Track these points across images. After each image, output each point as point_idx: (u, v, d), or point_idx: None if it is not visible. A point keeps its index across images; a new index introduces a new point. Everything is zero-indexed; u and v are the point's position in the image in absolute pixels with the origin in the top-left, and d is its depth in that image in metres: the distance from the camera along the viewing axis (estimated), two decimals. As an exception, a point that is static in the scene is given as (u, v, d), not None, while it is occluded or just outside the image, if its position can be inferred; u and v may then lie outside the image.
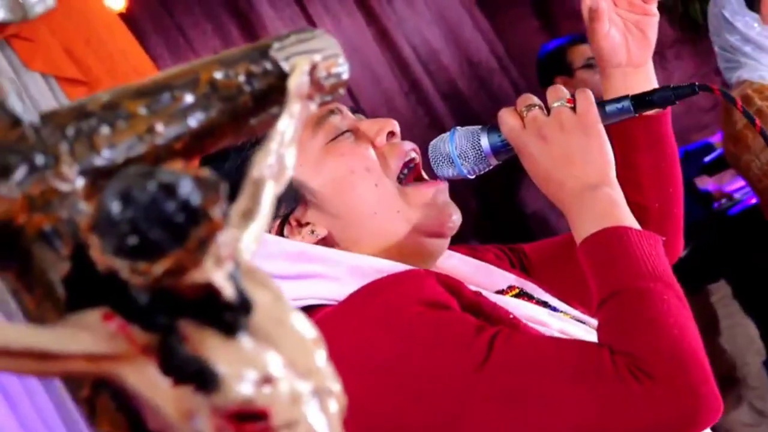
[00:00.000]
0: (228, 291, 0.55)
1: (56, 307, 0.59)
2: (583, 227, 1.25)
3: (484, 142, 1.36)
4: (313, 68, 0.71)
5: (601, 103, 1.33)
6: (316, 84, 0.71)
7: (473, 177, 1.40)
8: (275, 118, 0.69)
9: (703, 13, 3.96)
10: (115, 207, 0.53)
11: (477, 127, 1.38)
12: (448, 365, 1.18)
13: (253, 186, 0.64)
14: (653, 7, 1.48)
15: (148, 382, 0.56)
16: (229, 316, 0.56)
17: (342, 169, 1.34)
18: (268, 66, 0.70)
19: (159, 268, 0.52)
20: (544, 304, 1.42)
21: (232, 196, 0.58)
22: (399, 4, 5.09)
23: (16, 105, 0.60)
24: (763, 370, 3.81)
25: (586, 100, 1.30)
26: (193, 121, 0.66)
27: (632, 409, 1.11)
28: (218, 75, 0.68)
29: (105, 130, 0.62)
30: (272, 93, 0.70)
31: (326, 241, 1.34)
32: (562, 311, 1.42)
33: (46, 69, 3.41)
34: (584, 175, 1.26)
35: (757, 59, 2.72)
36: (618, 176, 1.29)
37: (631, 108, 1.35)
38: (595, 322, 1.34)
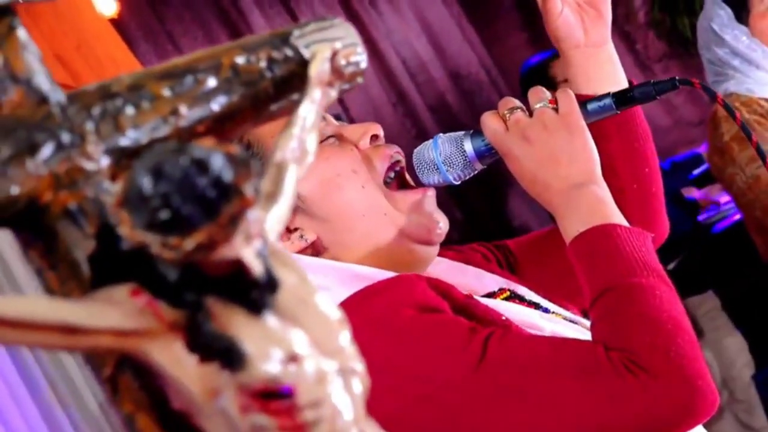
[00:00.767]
0: (257, 268, 0.55)
1: (81, 286, 0.59)
2: (571, 226, 1.25)
3: (468, 147, 1.36)
4: (334, 55, 0.71)
5: (583, 103, 1.34)
6: (336, 71, 0.72)
7: (459, 183, 1.40)
8: (295, 104, 0.70)
9: (692, 27, 3.98)
10: (147, 182, 0.53)
11: (460, 133, 1.38)
12: (444, 367, 1.19)
13: (276, 169, 0.64)
14: None
15: (174, 359, 0.56)
16: (256, 294, 0.56)
17: (328, 171, 1.33)
18: (289, 52, 0.71)
19: (190, 242, 0.52)
20: (536, 306, 1.42)
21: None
22: (388, 15, 5.10)
23: (42, 83, 0.61)
24: (751, 383, 3.81)
25: (568, 99, 1.30)
26: (216, 104, 0.67)
27: (630, 404, 1.11)
28: (240, 60, 0.68)
29: (130, 110, 0.63)
30: (293, 79, 0.70)
31: (315, 246, 1.34)
32: (553, 312, 1.42)
33: (36, 74, 3.39)
34: (570, 175, 1.27)
35: (745, 72, 2.74)
36: None
37: (613, 105, 1.35)
38: (587, 322, 1.35)
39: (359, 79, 0.75)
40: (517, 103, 1.32)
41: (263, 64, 0.69)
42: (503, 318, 1.26)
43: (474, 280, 1.45)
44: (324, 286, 1.28)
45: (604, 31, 1.47)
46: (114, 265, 0.58)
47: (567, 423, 1.15)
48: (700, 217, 4.01)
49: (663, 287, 1.18)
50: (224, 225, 0.52)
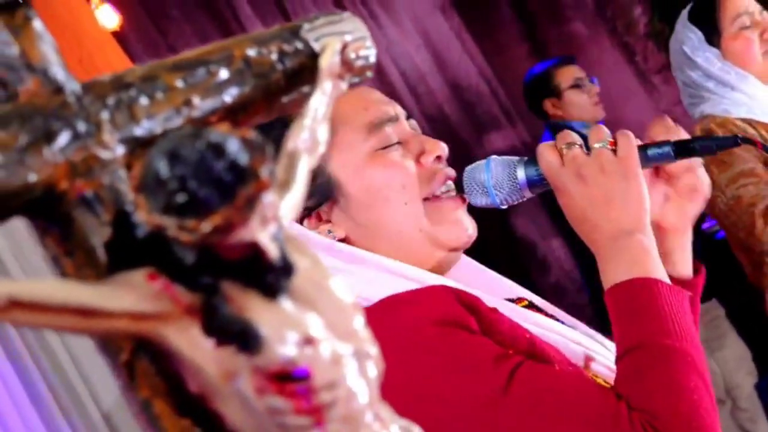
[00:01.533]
0: (272, 251, 0.56)
1: (97, 272, 0.59)
2: (613, 272, 1.25)
3: (521, 174, 1.35)
4: (344, 48, 0.72)
5: (643, 147, 1.32)
6: (346, 64, 0.72)
7: (505, 207, 1.40)
8: (306, 96, 0.70)
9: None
10: (164, 166, 0.53)
11: (514, 158, 1.37)
12: (466, 391, 1.18)
13: (288, 158, 0.65)
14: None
15: (190, 342, 0.56)
16: (271, 278, 0.57)
17: (380, 180, 1.33)
18: (300, 45, 0.71)
19: (207, 225, 0.53)
20: (553, 318, 1.42)
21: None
22: (387, 28, 5.12)
23: (58, 73, 0.62)
24: (754, 392, 3.81)
25: (629, 143, 1.29)
26: (228, 96, 0.67)
27: None
28: (251, 52, 0.69)
29: (144, 101, 0.63)
30: (303, 72, 0.71)
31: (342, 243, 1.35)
32: (570, 325, 1.42)
33: (38, 86, 3.41)
34: (620, 220, 1.26)
35: (720, 94, 2.75)
36: None
37: (672, 154, 1.34)
38: (601, 337, 1.36)
39: (368, 73, 0.76)
40: (577, 138, 1.32)
41: (274, 56, 0.70)
42: (527, 336, 1.26)
43: (495, 283, 1.45)
44: (356, 273, 1.29)
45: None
46: (130, 251, 0.58)
47: None
48: (705, 225, 4.01)
49: (694, 353, 1.18)
50: (240, 207, 0.53)
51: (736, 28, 2.75)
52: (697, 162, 1.38)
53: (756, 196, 2.59)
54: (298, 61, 0.71)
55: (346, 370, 0.58)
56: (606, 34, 5.68)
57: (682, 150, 1.34)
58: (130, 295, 0.55)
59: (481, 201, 1.38)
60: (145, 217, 0.54)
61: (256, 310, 0.56)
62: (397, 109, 1.40)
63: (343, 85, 0.72)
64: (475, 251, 1.61)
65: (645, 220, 1.28)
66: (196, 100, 0.66)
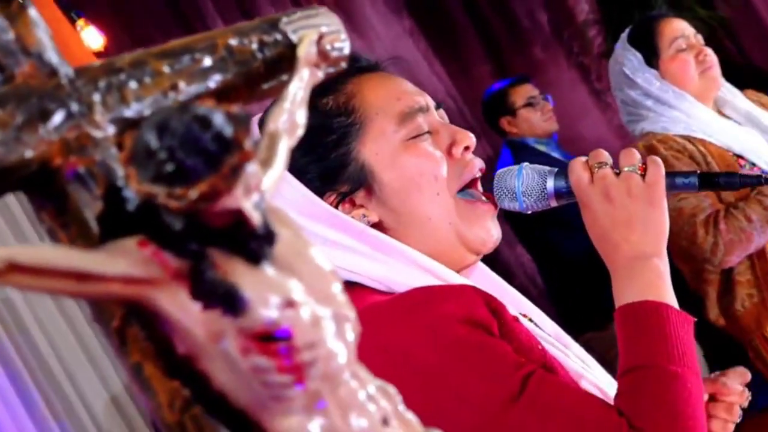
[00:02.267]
0: (255, 218, 0.56)
1: (90, 243, 0.59)
2: (627, 292, 1.25)
3: (550, 184, 1.34)
4: (320, 39, 0.73)
5: (671, 174, 1.32)
6: (322, 54, 0.73)
7: (529, 213, 1.39)
8: (284, 84, 0.71)
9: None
10: (153, 138, 0.54)
11: (545, 168, 1.36)
12: (480, 391, 1.18)
13: (269, 138, 0.65)
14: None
15: (179, 305, 0.57)
16: (254, 244, 0.57)
17: (414, 169, 1.32)
18: (278, 37, 0.72)
19: (195, 192, 0.53)
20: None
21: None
22: (360, 50, 5.14)
23: (52, 57, 0.62)
24: (705, 387, 3.82)
25: (658, 171, 1.28)
26: (212, 82, 0.68)
27: None
28: (233, 42, 0.70)
29: (133, 84, 0.64)
30: (282, 61, 0.72)
31: (375, 227, 1.33)
32: (564, 344, 1.41)
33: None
34: (640, 243, 1.26)
35: (659, 112, 2.79)
36: None
37: (696, 184, 1.33)
38: (590, 358, 1.37)
39: (342, 64, 0.77)
40: (608, 158, 1.31)
41: (255, 46, 0.71)
42: (540, 347, 1.26)
43: (508, 295, 1.44)
44: (383, 261, 1.29)
45: None
46: (120, 223, 0.59)
47: None
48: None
49: (694, 380, 1.19)
50: (226, 176, 0.54)
51: (674, 51, 2.80)
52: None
53: (696, 207, 2.63)
54: (277, 51, 0.72)
55: (325, 331, 0.58)
56: (563, 55, 5.72)
57: (707, 183, 1.35)
58: (123, 260, 0.55)
59: (508, 205, 1.37)
60: (135, 186, 0.55)
61: (241, 275, 0.57)
62: (428, 100, 1.39)
63: (320, 74, 0.73)
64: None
65: (663, 246, 1.28)
66: (182, 84, 0.66)
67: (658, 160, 1.30)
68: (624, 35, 2.90)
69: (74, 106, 0.60)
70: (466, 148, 1.36)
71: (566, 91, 5.34)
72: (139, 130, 0.54)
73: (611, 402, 1.21)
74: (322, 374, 0.58)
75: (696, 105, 2.76)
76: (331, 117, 1.33)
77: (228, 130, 0.54)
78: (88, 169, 0.60)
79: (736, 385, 1.35)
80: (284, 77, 0.72)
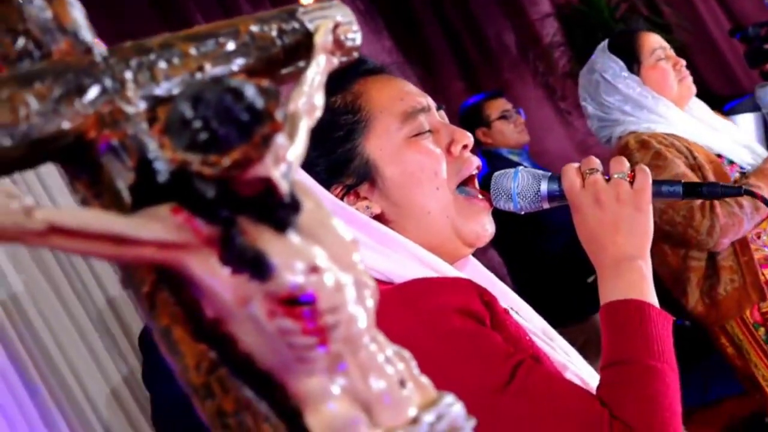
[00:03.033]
0: (283, 187, 0.55)
1: (122, 212, 0.58)
2: (612, 291, 1.25)
3: (544, 187, 1.33)
4: (335, 28, 0.72)
5: (657, 182, 1.32)
6: (337, 42, 0.72)
7: (523, 213, 1.38)
8: (302, 70, 0.70)
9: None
10: (188, 108, 0.52)
11: (540, 172, 1.36)
12: (472, 378, 1.17)
13: (290, 118, 0.64)
14: None
15: (209, 270, 0.55)
16: (281, 213, 0.56)
17: (415, 164, 1.32)
18: (296, 25, 0.71)
19: (227, 159, 0.52)
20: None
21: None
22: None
23: (87, 36, 0.60)
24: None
25: (645, 179, 1.28)
26: (235, 65, 0.66)
27: None
28: (255, 28, 0.68)
29: (162, 64, 0.62)
30: (299, 48, 0.70)
31: (377, 218, 1.32)
32: (550, 337, 1.40)
33: None
34: (626, 245, 1.26)
35: (638, 115, 2.79)
36: None
37: (681, 193, 1.33)
38: (573, 351, 1.36)
39: (354, 53, 0.75)
40: (599, 165, 1.31)
41: (275, 33, 0.69)
42: (527, 338, 1.25)
43: (497, 288, 1.42)
44: (384, 252, 1.27)
45: None
46: (151, 193, 0.57)
47: None
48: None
49: (671, 375, 1.18)
50: (257, 145, 0.52)
51: (654, 60, 2.81)
52: None
53: None
54: (295, 38, 0.70)
55: (347, 296, 0.57)
56: (530, 74, 5.74)
57: (691, 192, 1.34)
58: (157, 225, 0.53)
59: (503, 205, 1.36)
60: (170, 155, 0.53)
61: (268, 242, 0.55)
62: (429, 101, 1.38)
63: (335, 60, 0.72)
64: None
65: (647, 249, 1.27)
66: (207, 66, 0.64)
67: (646, 168, 1.30)
68: (603, 45, 2.90)
69: (108, 83, 0.59)
70: (464, 147, 1.36)
71: (533, 108, 5.35)
72: (174, 102, 0.53)
73: (593, 391, 1.20)
74: (344, 337, 0.57)
75: (674, 109, 2.78)
76: (338, 114, 1.33)
77: (259, 102, 0.52)
78: (120, 141, 0.58)
79: None
80: (301, 63, 0.70)
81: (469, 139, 1.36)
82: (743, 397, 3.26)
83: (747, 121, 3.01)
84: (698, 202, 2.60)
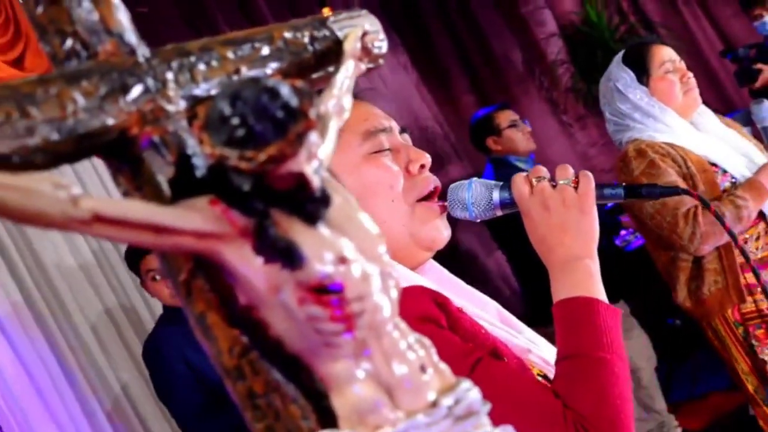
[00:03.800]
0: (315, 182, 0.54)
1: (162, 204, 0.57)
2: (562, 289, 1.23)
3: (496, 195, 1.31)
4: (364, 36, 0.71)
5: (600, 186, 1.30)
6: (365, 49, 0.71)
7: (478, 221, 1.36)
8: (331, 74, 0.69)
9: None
10: (227, 106, 0.51)
11: (492, 182, 1.34)
12: None
13: (321, 119, 0.63)
14: None
15: (243, 259, 0.54)
16: (312, 206, 0.55)
17: (372, 178, 1.31)
18: (327, 33, 0.70)
19: (263, 155, 0.51)
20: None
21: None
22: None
23: (131, 38, 0.59)
24: (654, 374, 3.82)
25: (588, 184, 1.27)
26: (269, 69, 0.65)
27: None
28: (288, 35, 0.67)
29: (202, 66, 0.61)
30: (329, 54, 0.69)
31: None
32: (516, 325, 1.40)
33: None
34: (573, 246, 1.25)
35: (645, 123, 2.81)
36: None
37: (623, 195, 1.32)
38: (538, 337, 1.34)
39: (381, 61, 0.74)
40: (546, 173, 1.30)
41: (306, 39, 0.68)
42: (483, 332, 1.24)
43: (461, 288, 1.41)
44: None
45: None
46: (190, 187, 0.56)
47: None
48: (617, 240, 4.02)
49: (620, 365, 1.17)
50: (292, 141, 0.51)
51: (662, 72, 2.81)
52: None
53: (679, 202, 2.65)
54: (326, 45, 0.69)
55: (372, 286, 0.56)
56: (535, 89, 5.72)
57: (632, 193, 1.32)
58: (196, 216, 0.52)
59: (459, 214, 1.34)
60: (209, 150, 0.52)
61: (299, 234, 0.54)
62: (392, 123, 1.37)
63: (363, 66, 0.71)
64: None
65: (593, 249, 1.26)
66: (244, 69, 0.63)
67: (589, 174, 1.29)
68: (618, 56, 2.92)
69: (150, 82, 0.58)
70: (422, 166, 1.34)
71: (537, 121, 5.33)
72: (213, 100, 0.52)
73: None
74: (369, 324, 0.56)
75: (678, 119, 2.78)
76: None
77: (294, 101, 0.51)
78: (161, 138, 0.57)
79: None
80: (331, 68, 0.69)
81: (426, 159, 1.35)
82: (730, 391, 3.24)
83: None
84: (683, 209, 2.62)
